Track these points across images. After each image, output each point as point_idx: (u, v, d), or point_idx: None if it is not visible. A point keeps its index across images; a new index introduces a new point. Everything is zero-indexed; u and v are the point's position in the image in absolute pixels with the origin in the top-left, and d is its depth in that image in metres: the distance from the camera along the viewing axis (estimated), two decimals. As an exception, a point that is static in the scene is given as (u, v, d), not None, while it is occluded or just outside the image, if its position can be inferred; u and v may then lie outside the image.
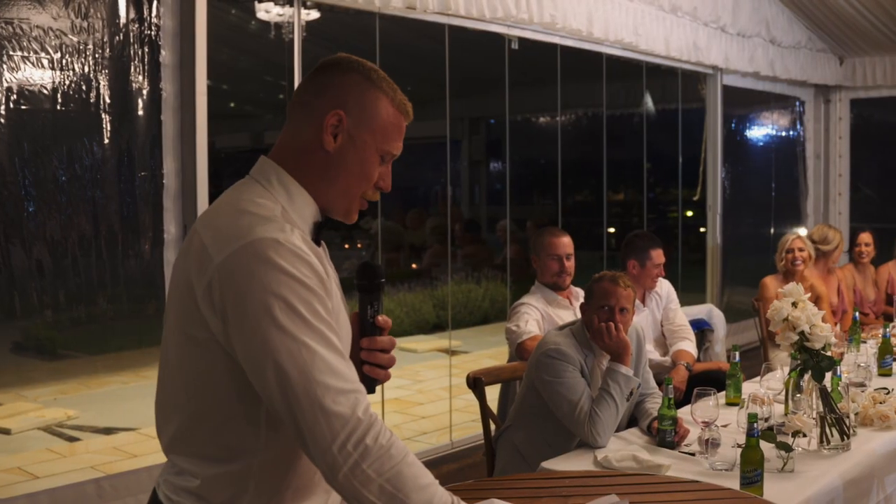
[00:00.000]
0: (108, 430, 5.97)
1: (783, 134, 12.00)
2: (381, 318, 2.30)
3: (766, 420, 3.92)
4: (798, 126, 12.08)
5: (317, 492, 2.24)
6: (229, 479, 2.13)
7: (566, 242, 5.54)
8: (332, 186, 2.22)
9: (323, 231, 2.28)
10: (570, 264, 5.52)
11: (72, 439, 5.94)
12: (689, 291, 9.76)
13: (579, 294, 5.56)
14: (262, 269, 1.99)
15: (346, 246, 12.82)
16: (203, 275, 2.03)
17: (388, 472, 2.00)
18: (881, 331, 5.37)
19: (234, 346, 2.02)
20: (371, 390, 2.24)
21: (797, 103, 12.00)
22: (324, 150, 2.18)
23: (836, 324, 7.11)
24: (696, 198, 10.50)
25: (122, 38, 5.00)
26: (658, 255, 5.82)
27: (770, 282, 7.08)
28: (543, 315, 5.35)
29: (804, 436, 3.71)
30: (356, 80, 2.21)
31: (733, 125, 11.05)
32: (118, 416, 5.95)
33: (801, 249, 7.01)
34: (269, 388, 1.99)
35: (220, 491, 2.14)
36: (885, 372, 5.17)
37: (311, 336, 2.00)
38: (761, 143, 11.75)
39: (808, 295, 4.06)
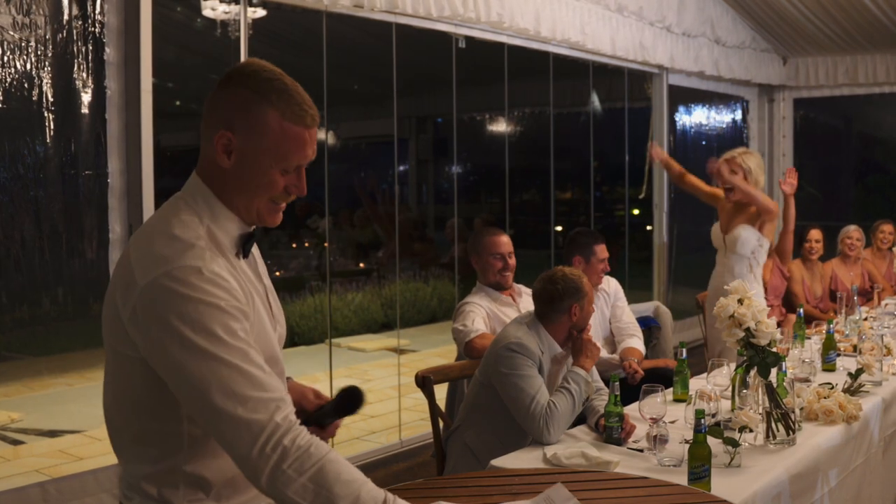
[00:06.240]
0: (52, 433, 5.90)
1: (728, 133, 12.11)
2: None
3: (713, 416, 3.96)
4: (742, 125, 12.20)
5: None
6: (163, 475, 2.25)
7: (506, 241, 5.57)
8: (239, 199, 2.25)
9: (252, 241, 2.33)
10: (513, 262, 5.55)
11: (15, 442, 5.87)
12: (636, 289, 9.81)
13: (522, 291, 5.59)
14: (176, 296, 2.08)
15: (294, 245, 12.77)
16: (129, 298, 2.14)
17: (309, 471, 2.07)
18: (825, 327, 5.42)
19: (155, 368, 2.14)
20: None
21: (741, 102, 12.12)
22: (221, 167, 2.22)
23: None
24: (641, 196, 10.56)
25: (65, 35, 4.94)
26: (602, 250, 5.84)
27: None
28: (489, 313, 5.35)
29: (750, 431, 3.74)
30: (244, 96, 2.18)
31: (679, 124, 11.13)
32: (63, 418, 5.89)
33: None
34: (190, 406, 2.13)
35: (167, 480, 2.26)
36: (829, 367, 5.22)
37: (229, 353, 2.09)
38: (706, 142, 11.85)
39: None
